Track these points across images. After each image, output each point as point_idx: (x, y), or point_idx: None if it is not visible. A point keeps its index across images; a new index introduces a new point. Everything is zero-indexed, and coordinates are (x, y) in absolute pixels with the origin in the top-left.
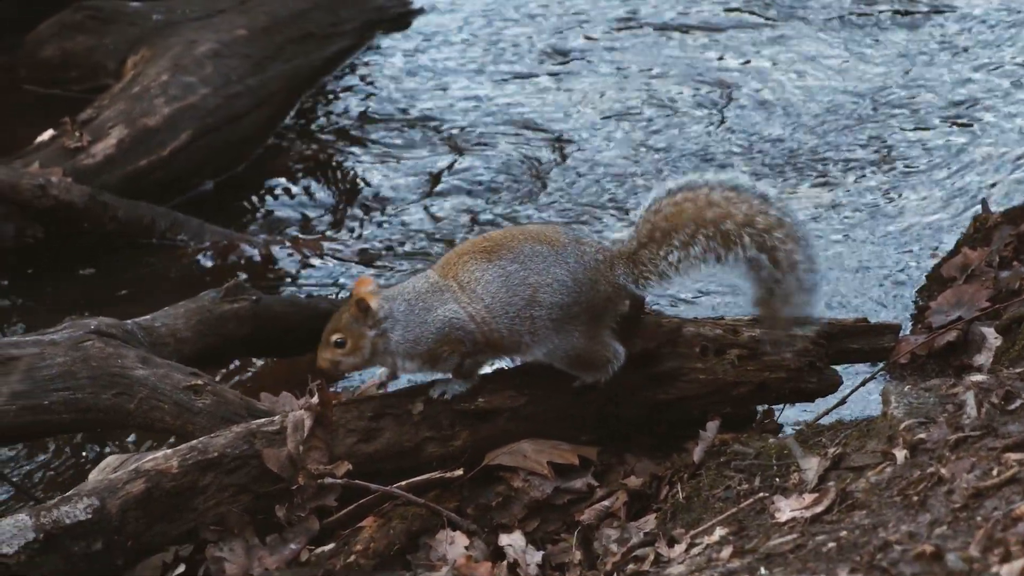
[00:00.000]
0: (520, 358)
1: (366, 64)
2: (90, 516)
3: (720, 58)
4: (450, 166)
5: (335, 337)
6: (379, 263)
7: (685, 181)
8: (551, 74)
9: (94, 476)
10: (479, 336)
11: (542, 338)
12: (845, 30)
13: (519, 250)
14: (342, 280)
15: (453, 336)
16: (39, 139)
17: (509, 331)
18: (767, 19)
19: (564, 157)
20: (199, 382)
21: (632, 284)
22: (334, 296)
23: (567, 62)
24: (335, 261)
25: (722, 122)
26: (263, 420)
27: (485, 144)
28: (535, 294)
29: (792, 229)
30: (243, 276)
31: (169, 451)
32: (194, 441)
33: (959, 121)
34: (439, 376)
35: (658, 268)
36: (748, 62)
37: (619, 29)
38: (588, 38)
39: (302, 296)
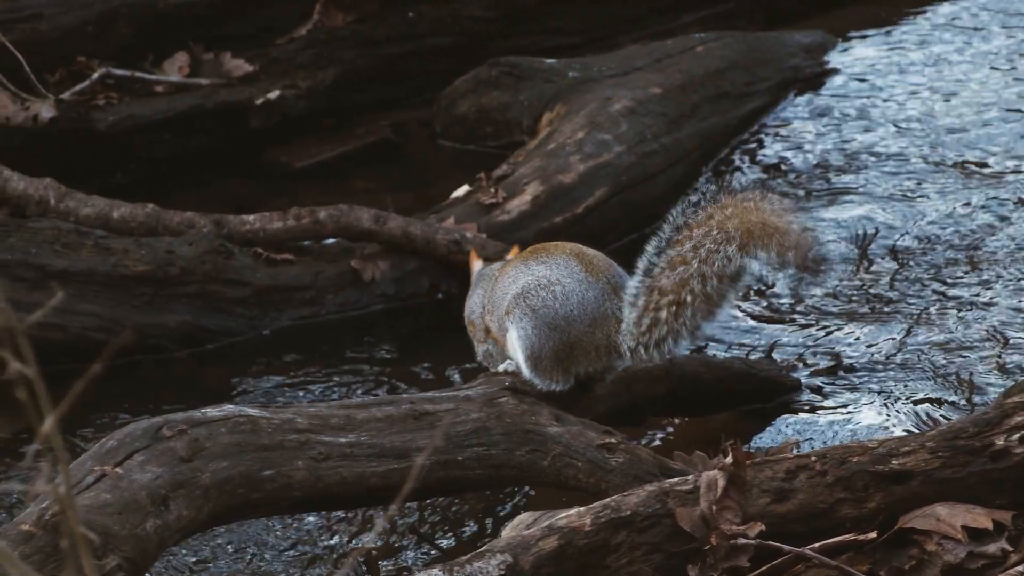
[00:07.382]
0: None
1: (780, 123)
2: (503, 572)
3: None
4: (873, 228)
5: None
6: (790, 319)
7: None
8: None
9: (507, 532)
10: (480, 323)
11: (516, 319)
12: None
13: (553, 258)
14: (755, 339)
15: (470, 319)
16: (454, 194)
17: (499, 322)
18: None
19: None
20: (613, 440)
21: (629, 350)
22: (747, 355)
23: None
24: (747, 320)
25: None
26: (676, 479)
27: (911, 206)
28: (534, 283)
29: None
30: None
31: (582, 508)
32: (607, 499)
33: None
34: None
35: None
36: None
37: None
38: None
39: (714, 355)
